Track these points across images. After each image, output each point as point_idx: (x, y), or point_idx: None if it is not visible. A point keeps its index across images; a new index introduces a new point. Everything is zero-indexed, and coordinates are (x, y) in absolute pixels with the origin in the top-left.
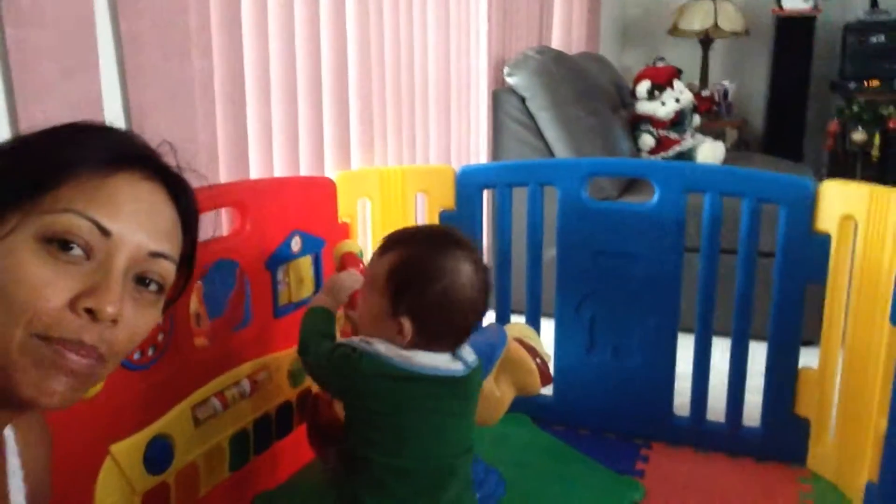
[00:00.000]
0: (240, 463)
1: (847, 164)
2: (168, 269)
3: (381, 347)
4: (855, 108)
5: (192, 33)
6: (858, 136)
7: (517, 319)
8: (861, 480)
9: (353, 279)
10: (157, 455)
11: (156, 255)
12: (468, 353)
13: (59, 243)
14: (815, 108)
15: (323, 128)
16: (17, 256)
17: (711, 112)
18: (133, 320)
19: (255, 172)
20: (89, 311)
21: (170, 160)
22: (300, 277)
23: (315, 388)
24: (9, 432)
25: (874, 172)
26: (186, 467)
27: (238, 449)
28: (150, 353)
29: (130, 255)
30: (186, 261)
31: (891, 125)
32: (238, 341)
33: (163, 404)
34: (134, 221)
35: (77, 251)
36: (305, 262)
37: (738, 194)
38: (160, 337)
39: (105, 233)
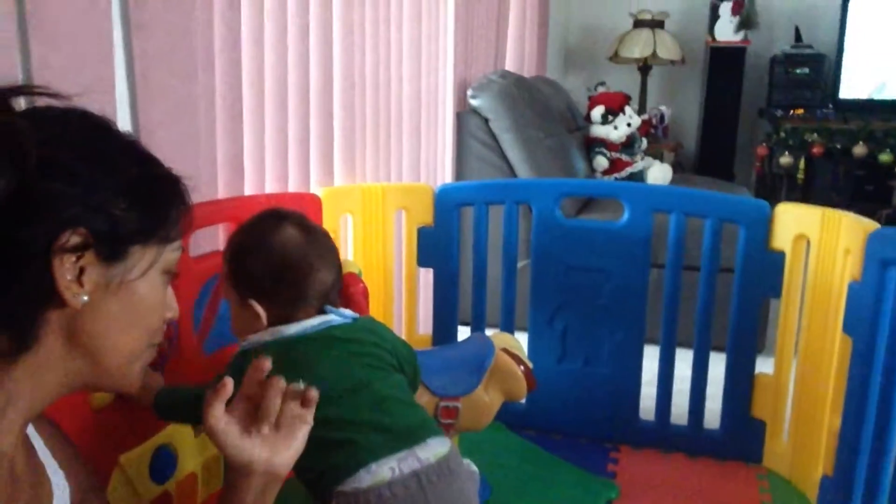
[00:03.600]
0: None
1: (773, 186)
2: None
3: (251, 338)
4: (782, 134)
5: (197, 53)
6: (785, 160)
7: (490, 332)
8: (814, 476)
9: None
10: (162, 464)
11: None
12: (342, 311)
13: (172, 274)
14: (745, 132)
15: (309, 145)
16: (156, 290)
17: (649, 135)
18: None
19: (248, 188)
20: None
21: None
22: None
23: None
24: (33, 433)
25: (798, 194)
26: (187, 477)
27: None
28: (157, 361)
29: None
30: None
31: (814, 151)
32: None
33: None
34: None
35: None
36: None
37: (701, 215)
38: (165, 344)
39: None
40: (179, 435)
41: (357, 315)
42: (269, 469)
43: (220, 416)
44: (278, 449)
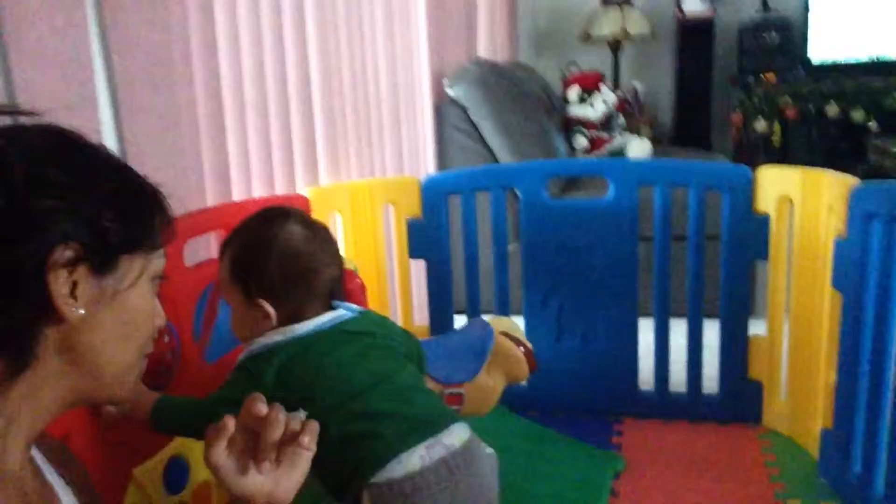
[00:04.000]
0: None
1: (751, 152)
2: None
3: (261, 339)
4: (755, 100)
5: (176, 66)
6: (760, 125)
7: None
8: (814, 431)
9: None
10: (176, 475)
11: None
12: (350, 305)
13: (160, 278)
14: (719, 101)
15: (293, 147)
16: (146, 299)
17: (625, 111)
18: None
19: (235, 194)
20: None
21: None
22: None
23: None
24: (38, 453)
25: (776, 158)
26: (201, 486)
27: None
28: (162, 373)
29: None
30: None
31: (788, 114)
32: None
33: None
34: None
35: None
36: None
37: (685, 185)
38: (169, 355)
39: None
40: (190, 444)
41: (363, 308)
42: (271, 500)
43: (221, 454)
44: (280, 481)
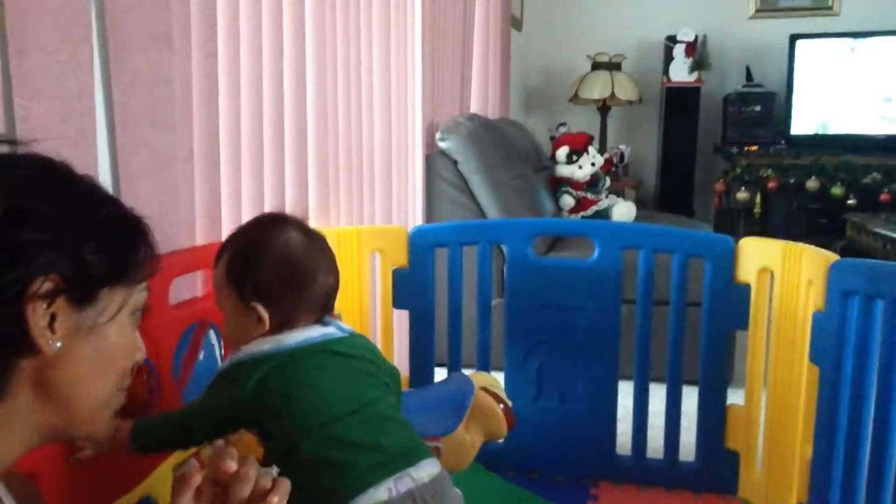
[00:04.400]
0: None
1: (732, 221)
2: None
3: (247, 348)
4: (737, 171)
5: (176, 105)
6: (742, 195)
7: (468, 372)
8: (788, 503)
9: None
10: None
11: None
12: (340, 324)
13: (140, 311)
14: (703, 169)
15: (285, 191)
16: (126, 333)
17: (610, 173)
18: None
19: (225, 233)
20: None
21: None
22: None
23: None
24: (5, 491)
25: (756, 228)
26: None
27: None
28: (139, 412)
29: None
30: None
31: (769, 186)
32: None
33: (147, 465)
34: None
35: None
36: None
37: (668, 250)
38: (146, 394)
39: None
40: (160, 485)
41: (353, 329)
42: None
43: None
44: None
